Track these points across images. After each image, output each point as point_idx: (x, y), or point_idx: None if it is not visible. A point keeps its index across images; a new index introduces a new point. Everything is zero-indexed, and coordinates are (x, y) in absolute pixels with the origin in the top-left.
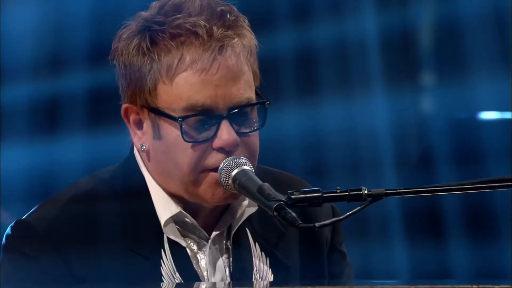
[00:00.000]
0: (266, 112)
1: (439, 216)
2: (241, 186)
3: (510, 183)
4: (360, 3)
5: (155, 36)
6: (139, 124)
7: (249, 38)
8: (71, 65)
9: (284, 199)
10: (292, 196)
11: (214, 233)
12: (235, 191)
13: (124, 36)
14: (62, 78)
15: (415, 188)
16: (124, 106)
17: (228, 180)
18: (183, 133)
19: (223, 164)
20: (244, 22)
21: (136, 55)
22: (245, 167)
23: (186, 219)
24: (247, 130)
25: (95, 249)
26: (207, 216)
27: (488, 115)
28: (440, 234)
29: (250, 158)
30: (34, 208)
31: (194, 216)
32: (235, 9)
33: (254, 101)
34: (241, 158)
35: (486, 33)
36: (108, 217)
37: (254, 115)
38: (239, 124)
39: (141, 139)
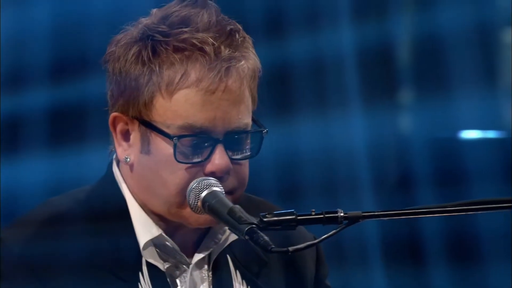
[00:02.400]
0: (262, 141)
1: (419, 240)
2: (210, 208)
3: (493, 206)
4: (337, 19)
5: (158, 47)
6: (126, 135)
7: (254, 61)
8: (32, 81)
9: (256, 222)
10: (265, 219)
11: (196, 259)
12: (205, 217)
13: (123, 41)
14: (23, 95)
15: (393, 211)
16: (113, 114)
17: (197, 202)
18: (176, 152)
19: (192, 185)
20: (249, 43)
21: (134, 63)
22: (215, 188)
23: (167, 242)
24: (241, 157)
25: (72, 272)
26: (187, 238)
27: (469, 134)
28: (421, 260)
29: (239, 187)
30: (7, 227)
31: (174, 238)
32: (241, 28)
33: (253, 127)
34: (210, 179)
35: (467, 49)
36: (86, 238)
37: (249, 142)
38: (233, 150)
39: (126, 151)
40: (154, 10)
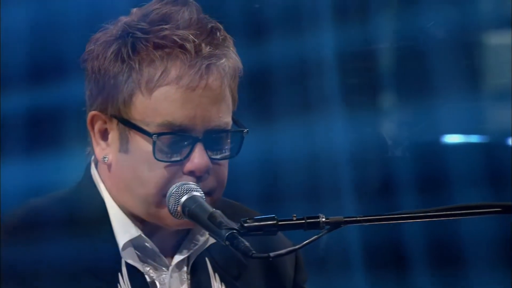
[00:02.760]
0: (242, 141)
1: (402, 246)
2: (190, 213)
3: (476, 211)
4: (318, 24)
5: (138, 44)
6: (105, 135)
7: (235, 60)
8: (10, 84)
9: (236, 228)
10: (245, 224)
11: (175, 261)
12: (187, 220)
13: (102, 39)
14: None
15: (375, 216)
16: (91, 113)
17: (177, 207)
18: (155, 150)
19: (172, 190)
20: (230, 42)
21: (114, 60)
22: (195, 193)
23: (146, 244)
24: (220, 157)
25: (51, 273)
26: (167, 240)
27: (452, 138)
28: (404, 266)
29: (218, 188)
30: None
31: (153, 239)
32: (222, 27)
33: (233, 127)
34: (190, 184)
35: (450, 53)
36: (65, 240)
37: (229, 142)
38: (213, 149)
39: (104, 151)
40: (134, 9)
